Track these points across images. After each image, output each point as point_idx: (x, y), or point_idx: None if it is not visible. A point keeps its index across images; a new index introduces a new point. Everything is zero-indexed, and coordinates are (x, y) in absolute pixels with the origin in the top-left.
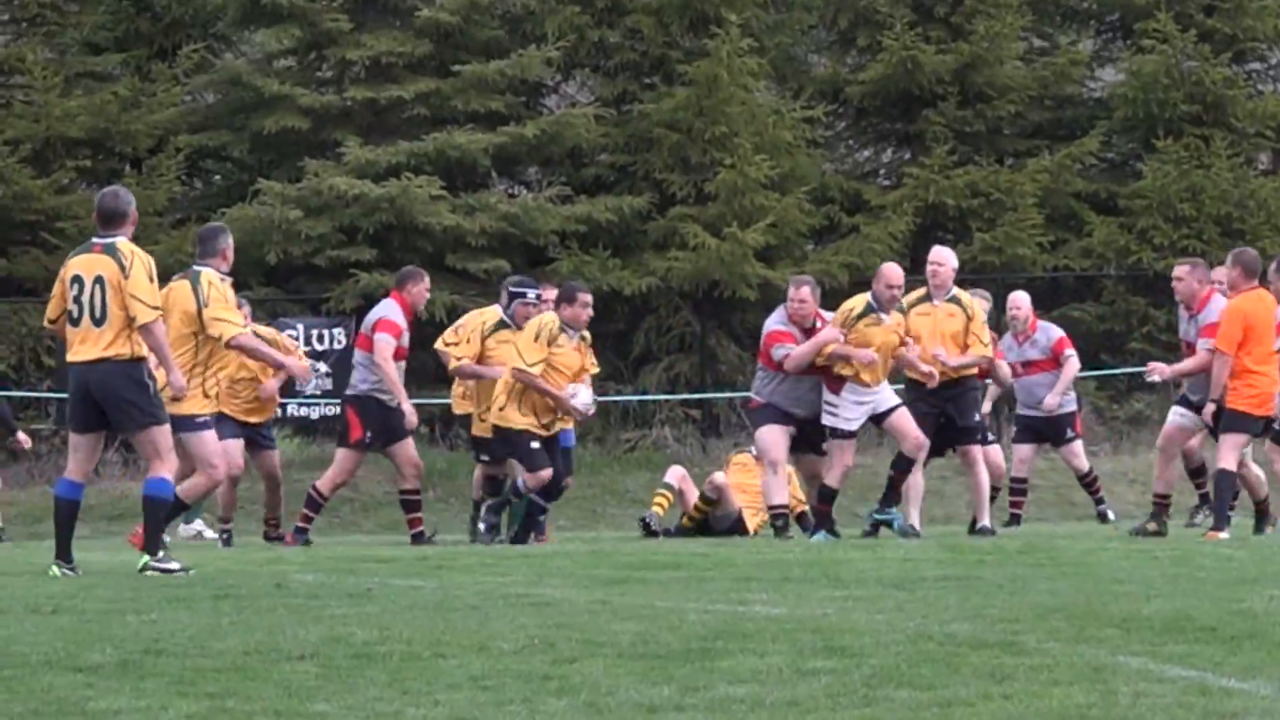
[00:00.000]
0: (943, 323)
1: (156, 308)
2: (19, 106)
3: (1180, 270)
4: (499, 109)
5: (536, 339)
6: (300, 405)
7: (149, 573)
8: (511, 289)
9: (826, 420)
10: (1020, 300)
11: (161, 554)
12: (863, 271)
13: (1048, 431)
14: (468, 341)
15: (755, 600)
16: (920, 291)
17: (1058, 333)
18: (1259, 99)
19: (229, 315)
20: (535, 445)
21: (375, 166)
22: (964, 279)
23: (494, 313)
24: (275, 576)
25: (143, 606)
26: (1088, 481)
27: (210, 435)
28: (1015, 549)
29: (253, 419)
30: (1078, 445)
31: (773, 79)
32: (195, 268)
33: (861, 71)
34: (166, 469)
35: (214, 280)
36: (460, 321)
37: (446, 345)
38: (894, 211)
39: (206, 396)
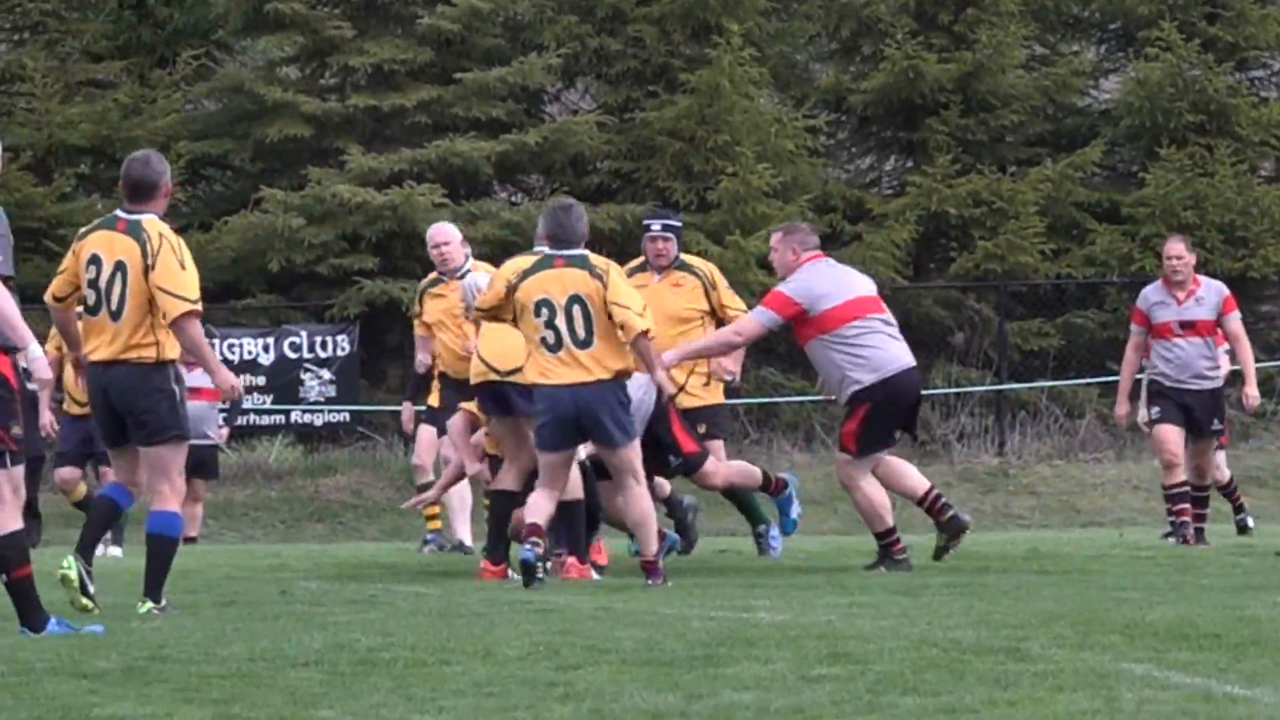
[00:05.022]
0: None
1: (190, 299)
2: (20, 114)
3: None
4: (500, 116)
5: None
6: (304, 412)
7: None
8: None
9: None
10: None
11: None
12: None
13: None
14: None
15: (759, 606)
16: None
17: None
18: (1262, 107)
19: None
20: None
21: (378, 174)
22: (966, 286)
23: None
24: (280, 583)
25: (147, 613)
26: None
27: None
28: (1020, 555)
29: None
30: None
31: (774, 88)
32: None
33: (864, 80)
34: (174, 499)
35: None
36: None
37: None
38: (896, 220)
39: None
